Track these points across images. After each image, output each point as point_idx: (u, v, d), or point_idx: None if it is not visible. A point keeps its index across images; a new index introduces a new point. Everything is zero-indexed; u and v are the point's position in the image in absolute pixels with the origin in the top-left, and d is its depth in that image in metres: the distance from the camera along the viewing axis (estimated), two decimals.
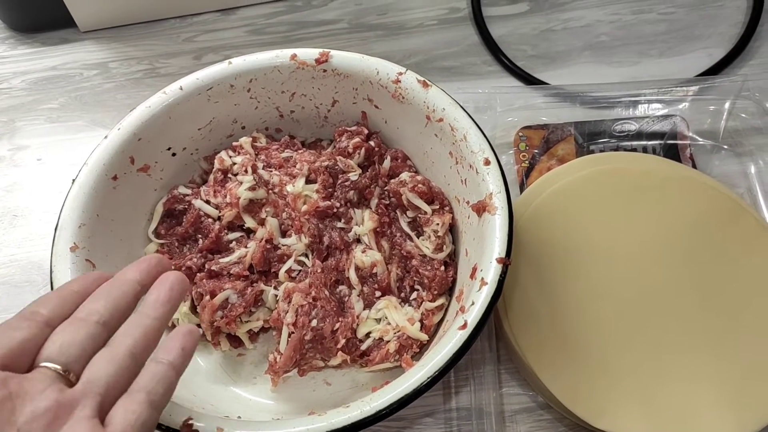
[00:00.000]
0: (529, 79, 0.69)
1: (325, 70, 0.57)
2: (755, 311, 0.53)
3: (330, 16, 0.75)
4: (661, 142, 0.63)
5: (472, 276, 0.48)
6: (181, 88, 0.56)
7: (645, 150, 0.63)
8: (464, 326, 0.44)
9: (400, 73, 0.55)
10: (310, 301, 0.52)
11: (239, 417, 0.48)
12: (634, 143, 0.63)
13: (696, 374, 0.52)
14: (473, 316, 0.45)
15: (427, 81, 0.55)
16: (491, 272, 0.46)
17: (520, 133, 0.65)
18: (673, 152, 0.63)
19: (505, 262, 0.46)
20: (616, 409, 0.51)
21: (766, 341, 0.52)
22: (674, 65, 0.69)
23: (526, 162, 0.64)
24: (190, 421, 0.42)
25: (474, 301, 0.45)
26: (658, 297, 0.54)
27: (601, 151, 0.63)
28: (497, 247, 0.47)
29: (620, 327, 0.53)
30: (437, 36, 0.73)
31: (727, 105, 0.64)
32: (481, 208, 0.50)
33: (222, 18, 0.75)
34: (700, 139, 0.64)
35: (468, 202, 0.52)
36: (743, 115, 0.64)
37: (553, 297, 0.54)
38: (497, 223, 0.48)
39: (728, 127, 0.64)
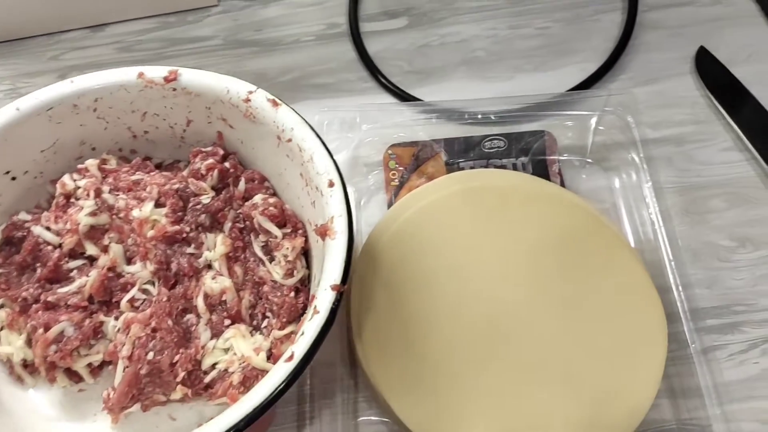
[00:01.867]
0: (403, 96, 0.67)
1: (175, 89, 0.55)
2: (611, 331, 0.52)
3: (204, 32, 0.72)
4: (531, 158, 0.62)
5: (309, 303, 0.46)
6: (17, 109, 0.53)
7: (514, 166, 0.62)
8: (290, 358, 0.42)
9: (251, 92, 0.53)
10: (149, 332, 0.49)
11: None
12: (504, 160, 0.63)
13: (549, 396, 0.50)
14: (301, 347, 0.42)
15: (276, 100, 0.53)
16: (324, 300, 0.44)
17: (390, 151, 0.64)
18: (541, 168, 0.62)
19: (339, 289, 0.44)
20: (470, 430, 0.49)
21: (619, 363, 0.51)
22: (548, 80, 0.69)
23: (396, 181, 0.62)
24: None
25: (305, 331, 0.43)
26: (515, 316, 0.53)
27: (471, 167, 0.62)
28: (333, 273, 0.45)
29: (475, 349, 0.52)
30: (314, 52, 0.72)
31: (593, 120, 0.63)
32: (323, 232, 0.48)
33: (90, 35, 0.72)
34: (567, 155, 0.64)
35: (316, 225, 0.50)
36: (608, 130, 0.64)
37: (407, 320, 0.53)
38: (336, 248, 0.46)
39: (595, 142, 0.63)
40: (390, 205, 0.61)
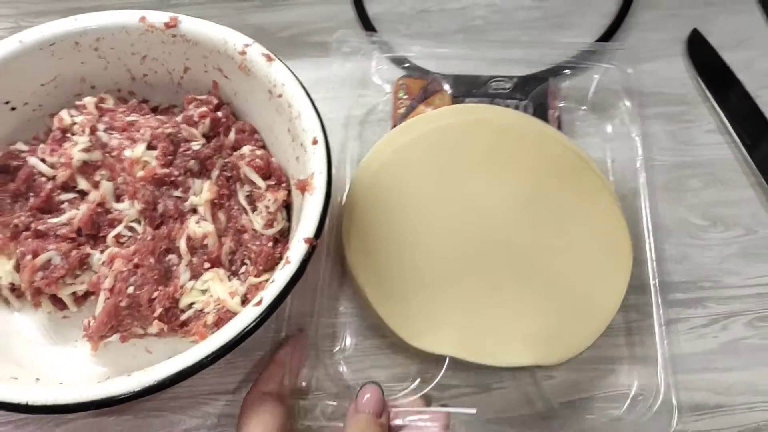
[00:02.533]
0: (398, 60, 0.68)
1: (174, 35, 0.56)
2: (579, 259, 0.56)
3: None
4: (532, 101, 0.65)
5: (281, 259, 0.48)
6: (20, 42, 0.55)
7: (516, 108, 0.65)
8: (259, 303, 0.44)
9: (247, 45, 0.55)
10: (131, 267, 0.51)
11: (37, 379, 0.47)
12: (508, 101, 0.65)
13: (514, 307, 0.55)
14: (270, 293, 0.45)
15: (271, 55, 0.54)
16: (297, 252, 0.46)
17: (401, 81, 0.67)
18: (542, 111, 0.65)
19: (312, 243, 0.46)
20: (434, 332, 0.54)
21: (581, 289, 0.56)
22: (543, 53, 0.70)
23: (403, 109, 0.65)
24: None
25: (275, 278, 0.45)
26: (493, 237, 0.57)
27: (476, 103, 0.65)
28: (308, 226, 0.47)
29: (452, 262, 0.56)
30: (314, 10, 0.73)
31: (595, 72, 0.67)
32: (303, 187, 0.50)
33: None
34: (566, 103, 0.67)
35: (298, 180, 0.52)
36: (608, 82, 0.67)
37: (394, 233, 0.57)
38: (313, 203, 0.48)
39: (595, 93, 0.67)
40: (394, 125, 0.65)
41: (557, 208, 0.58)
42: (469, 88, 0.66)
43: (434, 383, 0.53)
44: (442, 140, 0.60)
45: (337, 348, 0.57)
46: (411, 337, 0.55)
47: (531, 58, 0.69)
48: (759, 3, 0.74)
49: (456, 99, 0.66)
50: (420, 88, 0.66)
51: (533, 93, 0.66)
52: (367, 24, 0.71)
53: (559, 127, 0.65)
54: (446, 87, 0.66)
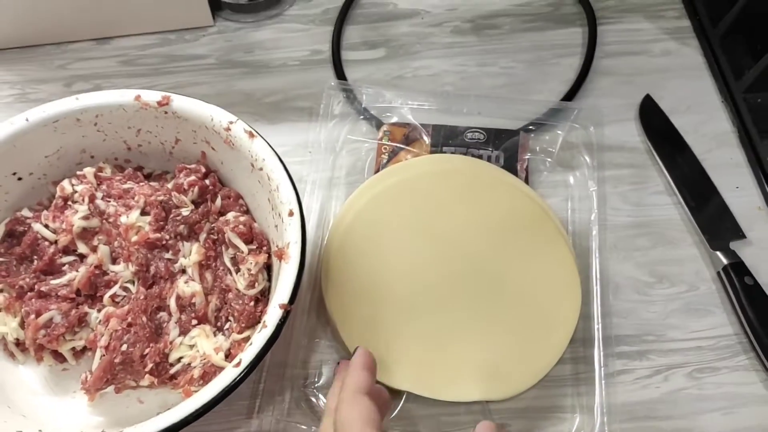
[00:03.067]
0: (378, 123, 0.74)
1: (166, 112, 0.62)
2: (530, 305, 0.63)
3: (200, 51, 0.80)
4: (504, 152, 0.72)
5: (261, 317, 0.54)
6: (27, 120, 0.61)
7: (489, 158, 0.71)
8: (238, 364, 0.50)
9: (231, 122, 0.61)
10: (125, 326, 0.57)
11: (40, 431, 0.53)
12: (481, 151, 0.72)
13: (466, 348, 0.61)
14: (248, 355, 0.50)
15: (253, 131, 0.60)
16: (273, 316, 0.52)
17: (386, 129, 0.73)
18: (512, 162, 0.71)
19: (287, 308, 0.52)
20: (395, 368, 0.60)
21: (528, 332, 0.62)
22: (507, 118, 0.76)
23: (386, 155, 0.72)
24: None
25: (253, 341, 0.51)
26: (456, 278, 0.63)
27: (452, 153, 0.72)
28: (283, 293, 0.53)
29: (415, 300, 0.63)
30: (297, 76, 0.79)
31: (561, 130, 0.74)
32: (279, 255, 0.55)
33: (97, 47, 0.79)
34: (534, 155, 0.73)
35: (277, 247, 0.58)
36: (572, 139, 0.74)
37: (367, 272, 0.64)
38: (288, 271, 0.54)
39: (561, 145, 0.73)
40: (377, 171, 0.71)
41: (517, 256, 0.64)
42: (446, 138, 0.73)
43: (393, 414, 0.60)
44: (414, 188, 0.67)
45: (312, 380, 0.63)
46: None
47: (504, 113, 0.76)
48: (708, 69, 0.80)
49: (434, 147, 0.72)
50: (402, 135, 0.73)
51: (505, 145, 0.72)
52: (348, 91, 0.76)
53: (527, 177, 0.71)
54: (425, 136, 0.73)
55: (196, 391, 0.52)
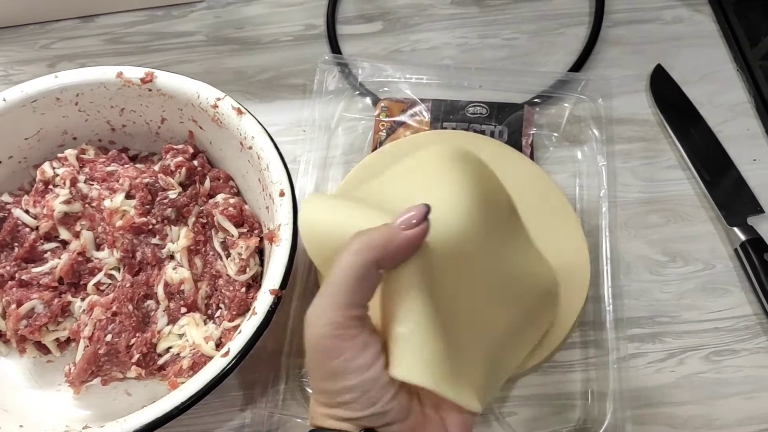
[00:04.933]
0: (375, 99, 0.71)
1: (150, 90, 0.59)
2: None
3: (188, 27, 0.76)
4: (507, 127, 0.68)
5: (255, 298, 0.51)
6: (3, 100, 0.58)
7: (492, 133, 0.67)
8: (226, 354, 0.47)
9: (219, 99, 0.57)
10: (109, 315, 0.54)
11: (21, 426, 0.50)
12: (484, 126, 0.68)
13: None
14: (237, 344, 0.47)
15: (241, 108, 0.57)
16: (263, 303, 0.49)
17: (383, 104, 0.70)
18: (516, 137, 0.67)
19: (278, 294, 0.49)
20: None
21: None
22: (511, 91, 0.72)
23: (384, 131, 0.68)
24: None
25: (242, 329, 0.48)
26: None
27: (453, 129, 0.68)
28: (274, 277, 0.50)
29: None
30: (291, 53, 0.75)
31: (568, 103, 0.70)
32: (270, 237, 0.52)
33: (81, 25, 0.76)
34: (538, 130, 0.70)
35: (268, 229, 0.55)
36: (580, 112, 0.70)
37: None
38: (279, 254, 0.51)
39: (568, 119, 0.70)
40: (374, 150, 0.67)
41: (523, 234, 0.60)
42: (447, 113, 0.69)
43: None
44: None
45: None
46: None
47: (507, 86, 0.72)
48: (723, 37, 0.77)
49: (434, 123, 0.68)
50: (400, 111, 0.69)
51: (508, 119, 0.69)
52: (343, 65, 0.73)
53: (532, 153, 0.67)
54: (425, 111, 0.69)
55: (183, 383, 0.49)
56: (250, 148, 0.56)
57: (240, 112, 0.57)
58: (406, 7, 0.79)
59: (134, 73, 0.59)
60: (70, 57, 0.74)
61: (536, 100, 0.71)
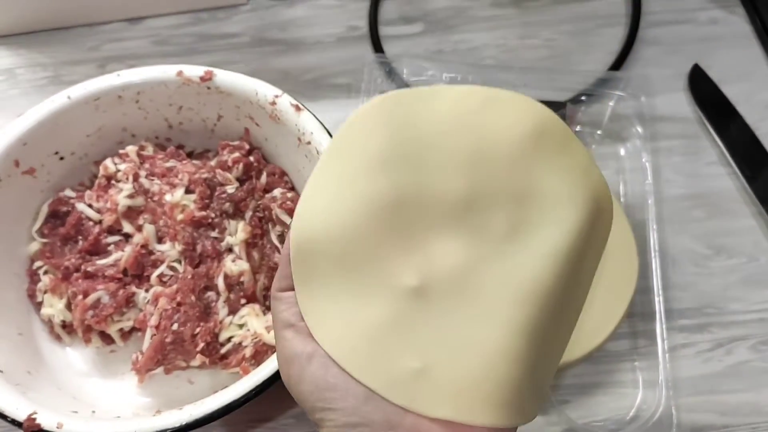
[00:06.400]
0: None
1: (209, 88, 0.61)
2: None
3: (233, 29, 0.78)
4: None
5: None
6: (68, 97, 0.59)
7: None
8: None
9: (277, 96, 0.59)
10: (174, 305, 0.55)
11: (93, 412, 0.52)
12: None
13: None
14: None
15: (300, 105, 0.58)
16: None
17: None
18: None
19: None
20: None
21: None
22: (551, 91, 0.73)
23: None
24: (34, 415, 0.45)
25: None
26: None
27: None
28: None
29: None
30: (334, 53, 0.77)
31: (610, 100, 0.71)
32: None
33: (128, 27, 0.78)
34: (582, 128, 0.71)
35: None
36: (621, 109, 0.71)
37: None
38: None
39: (610, 116, 0.71)
40: None
41: None
42: None
43: None
44: None
45: None
46: None
47: (550, 85, 0.73)
48: (757, 38, 0.78)
49: None
50: None
51: None
52: (386, 65, 0.75)
53: None
54: None
55: (253, 370, 0.50)
56: (309, 143, 0.57)
57: (298, 109, 0.58)
58: (446, 8, 0.80)
59: (194, 71, 0.60)
60: (119, 58, 0.76)
61: (579, 98, 0.72)
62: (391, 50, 0.77)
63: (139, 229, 0.59)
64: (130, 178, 0.60)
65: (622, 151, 0.70)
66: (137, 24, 0.79)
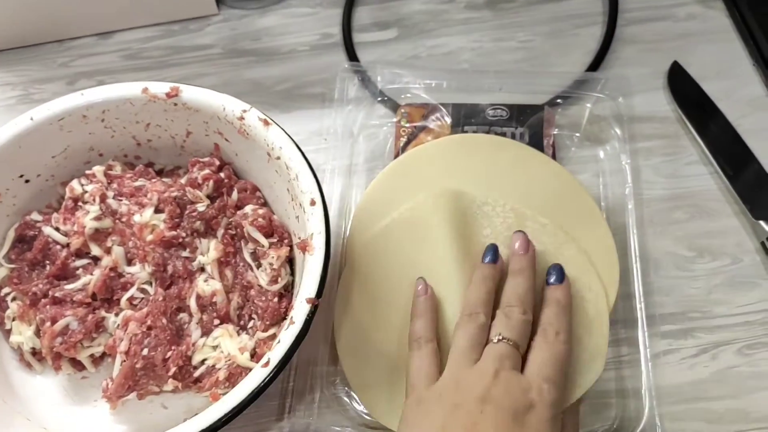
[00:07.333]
0: (395, 105, 0.71)
1: (176, 104, 0.59)
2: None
3: (205, 40, 0.77)
4: (528, 129, 0.68)
5: (287, 313, 0.51)
6: (31, 119, 0.58)
7: (513, 135, 0.68)
8: (266, 364, 0.47)
9: (245, 111, 0.58)
10: (144, 329, 0.54)
11: None
12: (505, 128, 0.68)
13: None
14: (276, 354, 0.47)
15: (268, 119, 0.57)
16: (300, 312, 0.49)
17: (403, 110, 0.70)
18: (537, 138, 0.68)
19: (314, 303, 0.49)
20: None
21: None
22: (529, 94, 0.72)
23: (405, 137, 0.68)
24: None
25: (281, 339, 0.48)
26: None
27: (474, 132, 0.68)
28: (310, 286, 0.50)
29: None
30: (308, 62, 0.76)
31: (587, 102, 0.70)
32: (303, 247, 0.52)
33: (99, 42, 0.77)
34: (560, 131, 0.70)
35: (299, 239, 0.55)
36: (600, 111, 0.70)
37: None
38: (313, 263, 0.51)
39: (589, 118, 0.70)
40: (396, 156, 0.68)
41: (553, 235, 0.59)
42: (467, 117, 0.69)
43: None
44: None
45: (342, 378, 0.59)
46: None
47: (526, 88, 0.72)
48: (737, 32, 0.77)
49: (455, 127, 0.69)
50: (421, 116, 0.70)
51: (529, 121, 0.69)
52: (360, 73, 0.73)
53: (554, 154, 0.68)
54: (445, 115, 0.69)
55: (223, 394, 0.49)
56: (278, 158, 0.56)
57: (267, 123, 0.57)
58: (421, 12, 0.79)
59: (159, 88, 0.59)
60: (89, 74, 0.74)
61: (556, 100, 0.71)
62: (366, 57, 0.76)
63: (108, 251, 0.58)
64: (97, 199, 0.58)
65: (602, 154, 0.69)
66: (108, 38, 0.77)
